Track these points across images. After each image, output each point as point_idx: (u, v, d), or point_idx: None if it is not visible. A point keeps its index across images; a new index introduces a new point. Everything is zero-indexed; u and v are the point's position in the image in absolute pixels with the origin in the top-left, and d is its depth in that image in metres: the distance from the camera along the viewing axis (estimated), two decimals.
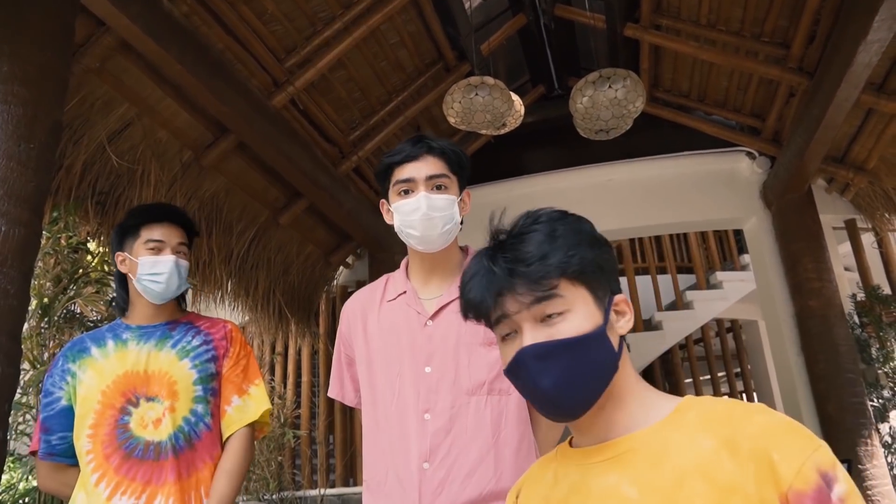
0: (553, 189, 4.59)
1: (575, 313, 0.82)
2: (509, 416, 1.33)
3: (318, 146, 3.67)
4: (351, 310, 1.54)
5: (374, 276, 4.53)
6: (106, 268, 3.21)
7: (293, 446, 4.99)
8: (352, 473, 5.03)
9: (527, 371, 0.83)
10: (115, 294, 3.23)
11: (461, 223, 1.44)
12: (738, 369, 7.23)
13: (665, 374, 7.12)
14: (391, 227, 1.45)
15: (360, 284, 5.06)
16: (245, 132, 3.00)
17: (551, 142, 5.19)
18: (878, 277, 4.34)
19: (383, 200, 1.48)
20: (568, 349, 0.81)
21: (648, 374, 6.77)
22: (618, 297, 0.87)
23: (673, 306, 6.47)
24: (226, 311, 3.83)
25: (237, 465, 1.71)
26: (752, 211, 4.24)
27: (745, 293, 6.15)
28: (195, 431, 1.68)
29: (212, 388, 1.73)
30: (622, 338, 0.87)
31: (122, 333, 1.73)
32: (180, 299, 1.84)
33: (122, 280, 1.76)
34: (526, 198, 4.68)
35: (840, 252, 4.40)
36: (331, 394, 1.57)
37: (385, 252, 4.46)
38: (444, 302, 1.42)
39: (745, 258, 6.30)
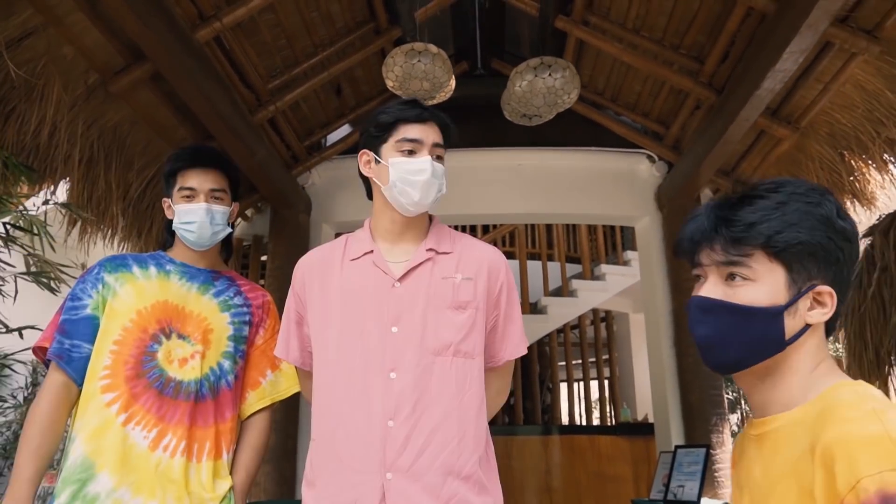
0: (465, 166, 4.63)
1: (758, 285, 0.84)
2: (472, 379, 1.37)
3: (237, 90, 3.49)
4: (307, 266, 1.50)
5: (274, 232, 4.40)
6: None
7: None
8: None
9: (691, 318, 0.89)
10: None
11: None
12: (607, 356, 7.74)
13: (540, 356, 7.50)
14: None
15: (257, 239, 4.89)
16: (164, 62, 2.79)
17: (467, 120, 5.19)
18: None
19: (367, 151, 1.47)
20: (730, 312, 0.84)
21: (526, 356, 7.09)
22: (822, 288, 0.84)
23: (558, 293, 6.79)
24: (114, 250, 3.58)
25: (263, 444, 1.72)
26: (646, 211, 4.53)
27: (624, 287, 6.58)
28: (218, 384, 1.63)
29: (241, 350, 1.70)
30: (809, 326, 0.85)
31: (166, 265, 1.68)
32: (228, 249, 1.81)
33: (169, 223, 1.72)
34: None
35: None
36: (276, 352, 1.54)
37: (290, 209, 4.33)
38: (412, 264, 1.42)
39: (628, 254, 6.73)
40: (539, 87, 2.70)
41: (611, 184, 4.61)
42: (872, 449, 0.67)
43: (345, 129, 4.71)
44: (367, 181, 1.52)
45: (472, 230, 7.73)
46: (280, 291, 4.20)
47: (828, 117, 3.48)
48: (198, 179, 1.68)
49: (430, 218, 1.53)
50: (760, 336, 0.83)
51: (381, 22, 3.89)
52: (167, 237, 1.76)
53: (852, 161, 3.53)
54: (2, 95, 2.60)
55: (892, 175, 3.40)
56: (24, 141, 2.72)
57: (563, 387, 7.91)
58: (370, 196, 1.52)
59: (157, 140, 3.43)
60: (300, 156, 4.38)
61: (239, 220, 4.64)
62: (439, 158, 1.43)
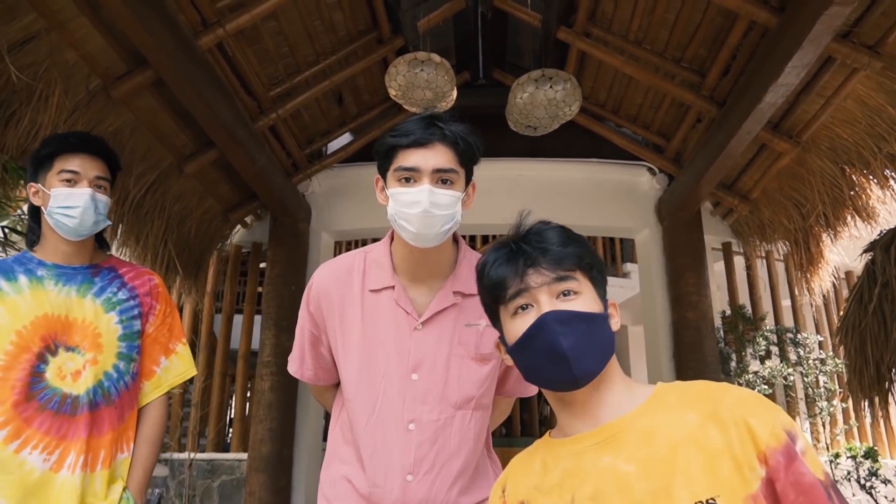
0: None
1: (585, 297, 0.94)
2: (485, 426, 1.37)
3: (239, 97, 3.49)
4: (324, 291, 1.37)
5: (274, 240, 4.39)
6: None
7: None
8: (225, 440, 4.87)
9: (548, 334, 0.90)
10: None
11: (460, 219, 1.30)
12: None
13: None
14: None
15: (256, 246, 4.88)
16: (167, 69, 2.79)
17: None
18: (743, 298, 4.80)
19: (379, 178, 1.33)
20: (585, 320, 0.91)
21: None
22: (612, 300, 1.00)
23: None
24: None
25: (158, 433, 1.67)
26: (646, 223, 4.52)
27: (622, 299, 6.55)
28: (115, 388, 1.59)
29: (136, 346, 1.65)
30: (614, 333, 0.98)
31: (37, 270, 1.58)
32: (100, 240, 1.71)
33: (35, 213, 1.61)
34: None
35: (714, 270, 4.80)
36: (290, 370, 1.49)
37: (289, 217, 4.33)
38: (437, 308, 1.32)
39: (627, 267, 6.72)
40: (540, 99, 2.70)
41: (611, 195, 4.61)
42: (763, 404, 0.86)
43: (346, 138, 4.71)
44: None
45: (472, 240, 7.71)
46: (279, 299, 4.19)
47: (829, 132, 3.48)
48: (83, 164, 1.57)
49: (458, 240, 1.40)
50: (606, 339, 0.93)
51: (384, 31, 3.89)
52: (34, 228, 1.62)
53: (853, 176, 3.53)
54: (3, 99, 2.59)
55: (893, 191, 3.39)
56: (24, 145, 2.71)
57: None
58: None
59: (157, 146, 3.43)
60: (301, 164, 4.37)
61: (238, 227, 4.63)
62: (444, 183, 1.25)
